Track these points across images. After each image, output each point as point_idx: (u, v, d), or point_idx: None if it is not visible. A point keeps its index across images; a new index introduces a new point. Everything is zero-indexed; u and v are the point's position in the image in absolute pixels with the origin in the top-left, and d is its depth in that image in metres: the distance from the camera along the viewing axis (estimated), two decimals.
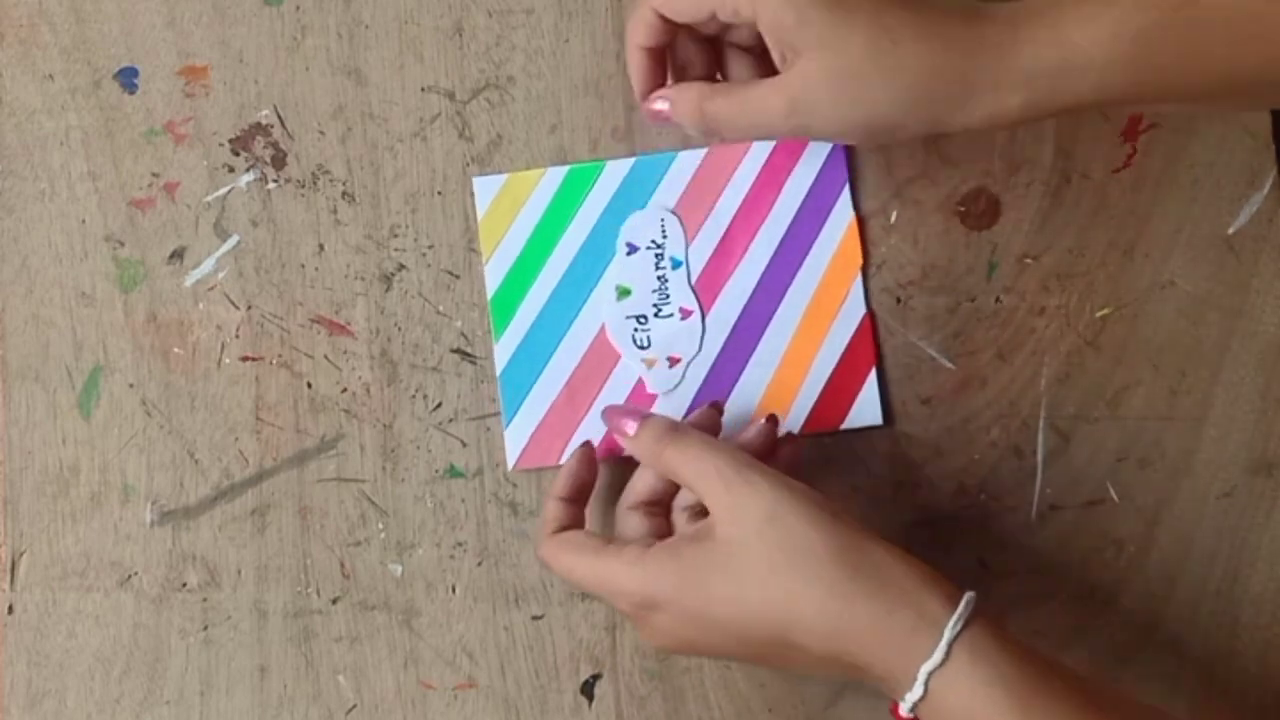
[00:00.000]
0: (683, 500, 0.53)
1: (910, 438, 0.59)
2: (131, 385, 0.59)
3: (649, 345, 0.58)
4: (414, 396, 0.59)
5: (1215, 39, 0.47)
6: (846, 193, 0.59)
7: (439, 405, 0.59)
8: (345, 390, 0.59)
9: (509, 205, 0.59)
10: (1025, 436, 0.59)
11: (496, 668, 0.58)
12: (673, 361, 0.58)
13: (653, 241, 0.59)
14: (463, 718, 0.58)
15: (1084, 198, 0.59)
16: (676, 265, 0.59)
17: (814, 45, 0.49)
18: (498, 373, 0.59)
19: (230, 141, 0.60)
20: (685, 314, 0.59)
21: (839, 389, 0.58)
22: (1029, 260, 0.59)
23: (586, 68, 0.60)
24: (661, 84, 0.54)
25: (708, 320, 0.59)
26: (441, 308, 0.59)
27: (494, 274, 0.59)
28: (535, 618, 0.58)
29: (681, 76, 0.54)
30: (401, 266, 0.60)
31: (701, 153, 0.59)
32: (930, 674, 0.46)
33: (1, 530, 0.59)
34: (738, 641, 0.49)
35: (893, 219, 0.59)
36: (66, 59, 0.61)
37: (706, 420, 0.55)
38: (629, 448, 0.52)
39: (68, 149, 0.60)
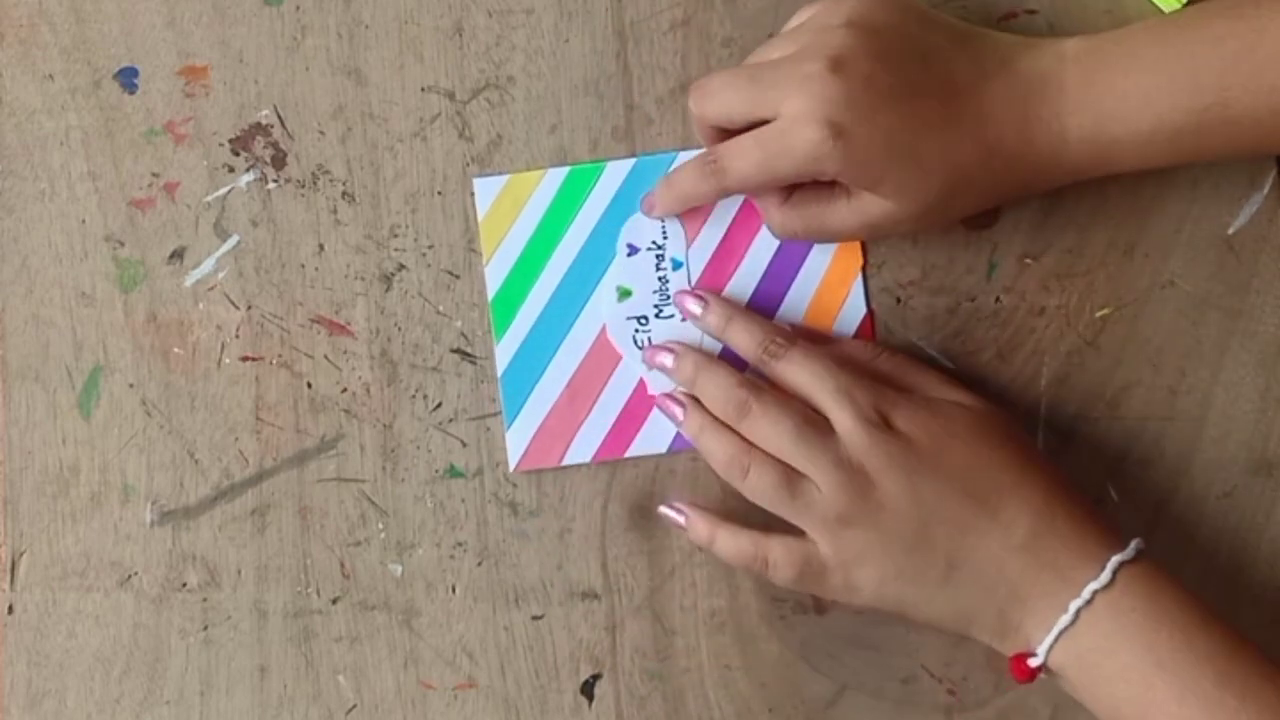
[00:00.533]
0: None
1: None
2: (131, 385, 0.59)
3: (650, 346, 0.58)
4: (414, 396, 0.59)
5: (1244, 132, 0.52)
6: None
7: (439, 405, 0.59)
8: (345, 390, 0.59)
9: (510, 206, 0.59)
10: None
11: (496, 668, 0.58)
12: None
13: (653, 242, 0.59)
14: (463, 718, 0.58)
15: (1084, 197, 0.59)
16: (677, 266, 0.59)
17: (891, 194, 0.53)
18: (499, 374, 0.59)
19: (230, 141, 0.60)
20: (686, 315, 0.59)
21: None
22: (1029, 260, 0.59)
23: (586, 68, 0.60)
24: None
25: None
26: (441, 308, 0.59)
27: (495, 275, 0.59)
28: (535, 618, 0.58)
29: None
30: (401, 266, 0.60)
31: (702, 153, 0.59)
32: (1120, 564, 0.50)
33: (1, 530, 0.59)
34: (956, 498, 0.51)
35: None
36: (66, 59, 0.61)
37: None
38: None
39: (68, 149, 0.60)
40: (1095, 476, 0.58)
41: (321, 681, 0.58)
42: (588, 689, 0.58)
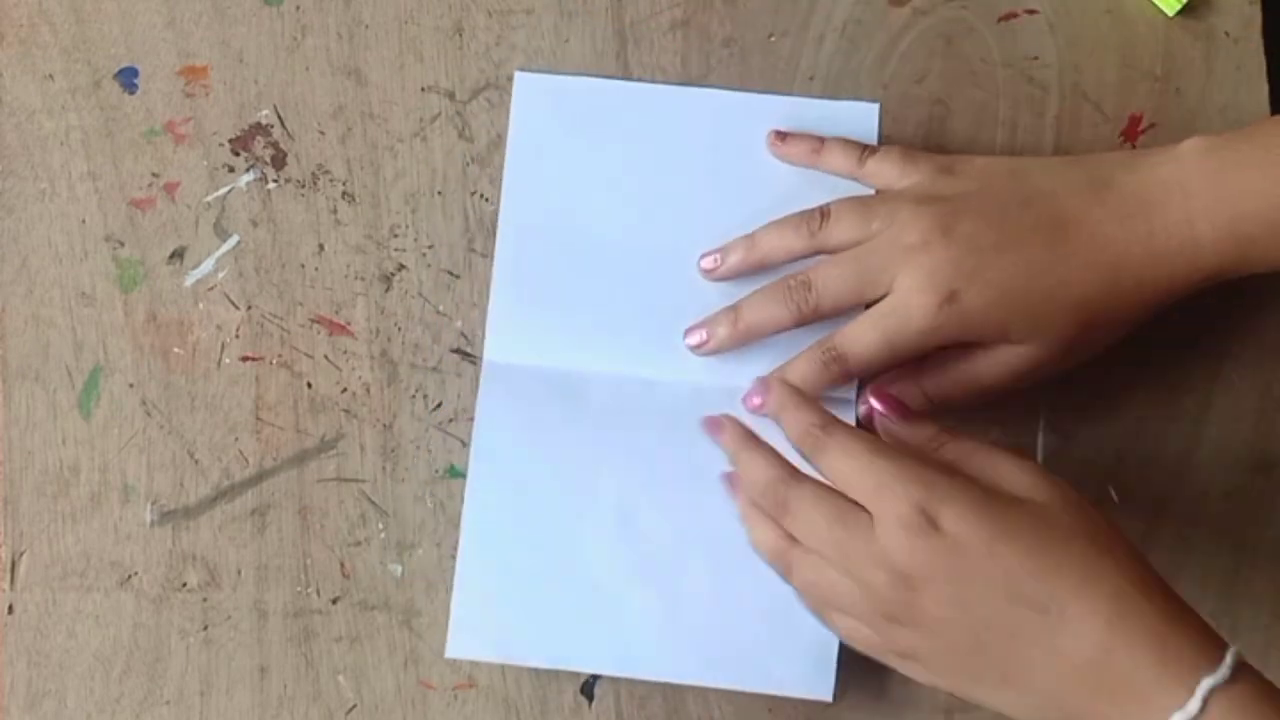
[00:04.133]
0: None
1: None
2: (131, 385, 0.59)
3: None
4: (414, 396, 0.59)
5: None
6: None
7: (439, 405, 0.59)
8: (345, 390, 0.59)
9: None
10: (1025, 436, 0.59)
11: (496, 668, 0.58)
12: None
13: None
14: (463, 718, 0.58)
15: None
16: None
17: (1021, 340, 0.53)
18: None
19: (230, 141, 0.60)
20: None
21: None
22: None
23: (586, 68, 0.60)
24: None
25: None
26: (441, 308, 0.60)
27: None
28: None
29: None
30: (401, 266, 0.60)
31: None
32: (1212, 690, 0.42)
33: (1, 530, 0.59)
34: (1006, 606, 0.45)
35: None
36: (66, 59, 0.61)
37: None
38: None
39: (68, 149, 0.60)
40: (1095, 476, 0.58)
41: (321, 681, 0.58)
42: (588, 689, 0.58)
